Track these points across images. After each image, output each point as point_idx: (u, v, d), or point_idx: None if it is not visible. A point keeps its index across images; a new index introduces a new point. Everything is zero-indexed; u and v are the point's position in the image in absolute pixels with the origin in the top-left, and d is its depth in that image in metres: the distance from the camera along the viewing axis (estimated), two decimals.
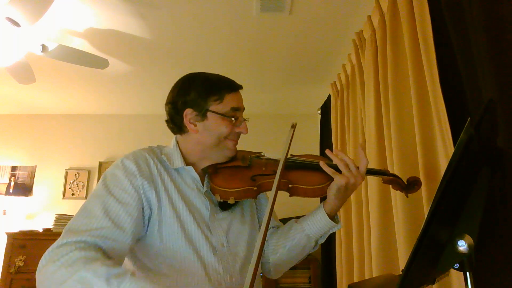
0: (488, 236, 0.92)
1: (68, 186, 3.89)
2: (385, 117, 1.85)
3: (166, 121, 1.14)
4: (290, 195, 1.09)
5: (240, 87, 1.12)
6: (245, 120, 1.12)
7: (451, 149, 1.27)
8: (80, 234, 0.88)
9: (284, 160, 1.06)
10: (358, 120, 2.37)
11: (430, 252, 0.77)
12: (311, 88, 3.46)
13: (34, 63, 2.58)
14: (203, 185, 1.11)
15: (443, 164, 1.36)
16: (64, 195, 3.87)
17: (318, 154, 3.80)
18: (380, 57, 1.94)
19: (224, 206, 1.11)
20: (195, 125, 1.08)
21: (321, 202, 1.14)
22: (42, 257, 0.86)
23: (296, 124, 1.18)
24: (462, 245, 0.72)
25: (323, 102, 3.52)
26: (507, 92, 0.99)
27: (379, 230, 1.86)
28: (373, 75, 2.03)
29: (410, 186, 1.18)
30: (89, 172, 3.93)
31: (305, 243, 1.11)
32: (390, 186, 1.21)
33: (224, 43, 2.69)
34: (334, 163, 1.08)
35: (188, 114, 1.07)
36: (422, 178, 1.40)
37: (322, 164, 1.08)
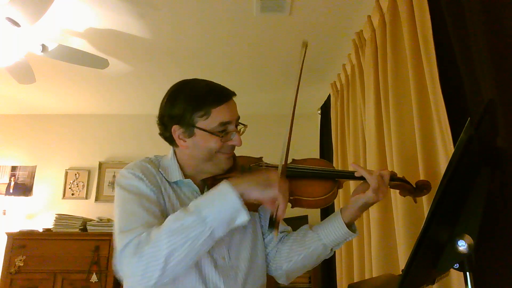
0: (488, 236, 0.92)
1: (68, 186, 3.89)
2: (385, 117, 1.85)
3: (159, 134, 1.10)
4: (292, 207, 1.06)
5: (232, 94, 1.06)
6: (244, 125, 1.08)
7: (451, 149, 1.27)
8: (135, 230, 0.89)
9: (294, 104, 1.01)
10: (358, 120, 2.37)
11: (430, 252, 0.77)
12: (311, 88, 3.45)
13: (34, 63, 2.58)
14: None
15: (443, 164, 1.35)
16: (64, 195, 3.86)
17: (318, 154, 3.78)
18: (380, 57, 1.94)
19: None
20: (185, 141, 1.04)
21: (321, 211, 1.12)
22: (117, 261, 0.87)
23: (307, 42, 1.03)
24: (462, 245, 0.72)
25: (323, 102, 3.52)
26: (507, 92, 0.99)
27: (379, 230, 1.86)
28: (373, 75, 2.03)
29: (418, 189, 1.12)
30: (89, 172, 3.93)
31: (321, 252, 1.10)
32: (398, 191, 1.16)
33: (224, 43, 2.69)
34: (368, 180, 1.02)
35: (176, 130, 1.03)
36: (422, 178, 1.39)
37: (376, 180, 1.00)
